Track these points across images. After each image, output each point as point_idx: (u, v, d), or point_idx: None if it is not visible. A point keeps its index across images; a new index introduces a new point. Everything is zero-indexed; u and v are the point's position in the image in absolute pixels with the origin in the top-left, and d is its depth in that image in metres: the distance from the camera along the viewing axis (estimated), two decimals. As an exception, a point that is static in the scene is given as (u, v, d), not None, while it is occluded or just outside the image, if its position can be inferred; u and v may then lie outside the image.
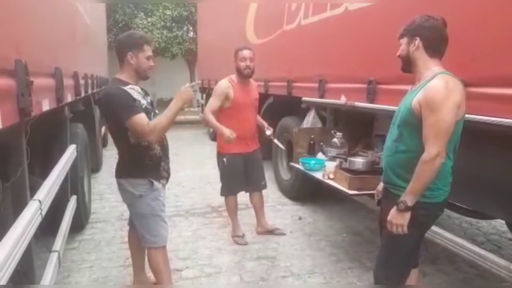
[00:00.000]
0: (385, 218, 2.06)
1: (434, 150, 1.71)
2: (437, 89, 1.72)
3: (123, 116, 2.17)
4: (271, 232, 3.78)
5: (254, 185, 3.71)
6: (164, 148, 2.42)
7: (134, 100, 2.22)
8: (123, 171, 2.36)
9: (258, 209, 3.81)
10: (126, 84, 2.28)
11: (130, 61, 2.30)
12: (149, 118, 2.29)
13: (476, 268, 2.89)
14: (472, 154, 2.06)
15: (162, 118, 2.23)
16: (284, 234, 3.78)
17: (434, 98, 1.71)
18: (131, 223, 2.61)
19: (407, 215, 1.82)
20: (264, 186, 3.78)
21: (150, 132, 2.17)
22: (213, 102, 3.41)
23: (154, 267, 2.48)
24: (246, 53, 3.43)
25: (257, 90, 3.70)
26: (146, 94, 2.41)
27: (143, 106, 2.27)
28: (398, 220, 1.84)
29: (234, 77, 3.51)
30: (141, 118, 2.17)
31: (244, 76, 3.45)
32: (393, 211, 1.86)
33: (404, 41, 1.90)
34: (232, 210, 3.70)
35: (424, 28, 1.83)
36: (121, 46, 2.32)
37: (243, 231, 3.70)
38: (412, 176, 1.83)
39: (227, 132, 3.22)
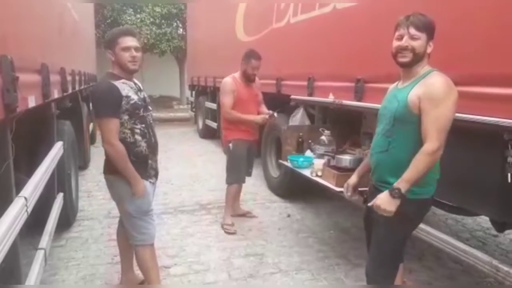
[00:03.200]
0: (374, 217, 2.07)
1: (436, 144, 1.72)
2: (441, 85, 1.75)
3: (99, 112, 2.23)
4: (243, 215, 4.10)
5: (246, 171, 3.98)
6: (152, 146, 2.39)
7: (121, 97, 2.20)
8: (110, 167, 2.34)
9: (238, 193, 4.08)
10: (119, 78, 2.28)
11: (112, 58, 2.30)
12: (139, 114, 2.29)
13: (461, 264, 2.95)
14: (456, 151, 2.09)
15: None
16: (256, 217, 4.10)
17: (438, 93, 1.73)
18: (121, 221, 2.60)
19: (397, 203, 1.78)
20: (250, 173, 4.09)
21: (107, 142, 2.20)
22: (227, 100, 3.70)
23: (142, 265, 2.47)
24: (257, 64, 3.70)
25: (258, 86, 3.96)
26: (139, 89, 2.39)
27: (132, 102, 2.25)
28: (388, 206, 1.80)
29: (237, 76, 3.78)
30: (114, 123, 2.20)
31: (249, 80, 3.77)
32: (384, 195, 1.82)
33: (423, 37, 1.82)
34: (232, 198, 3.91)
35: (434, 30, 1.84)
36: (104, 47, 2.36)
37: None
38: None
39: (258, 118, 3.70)
